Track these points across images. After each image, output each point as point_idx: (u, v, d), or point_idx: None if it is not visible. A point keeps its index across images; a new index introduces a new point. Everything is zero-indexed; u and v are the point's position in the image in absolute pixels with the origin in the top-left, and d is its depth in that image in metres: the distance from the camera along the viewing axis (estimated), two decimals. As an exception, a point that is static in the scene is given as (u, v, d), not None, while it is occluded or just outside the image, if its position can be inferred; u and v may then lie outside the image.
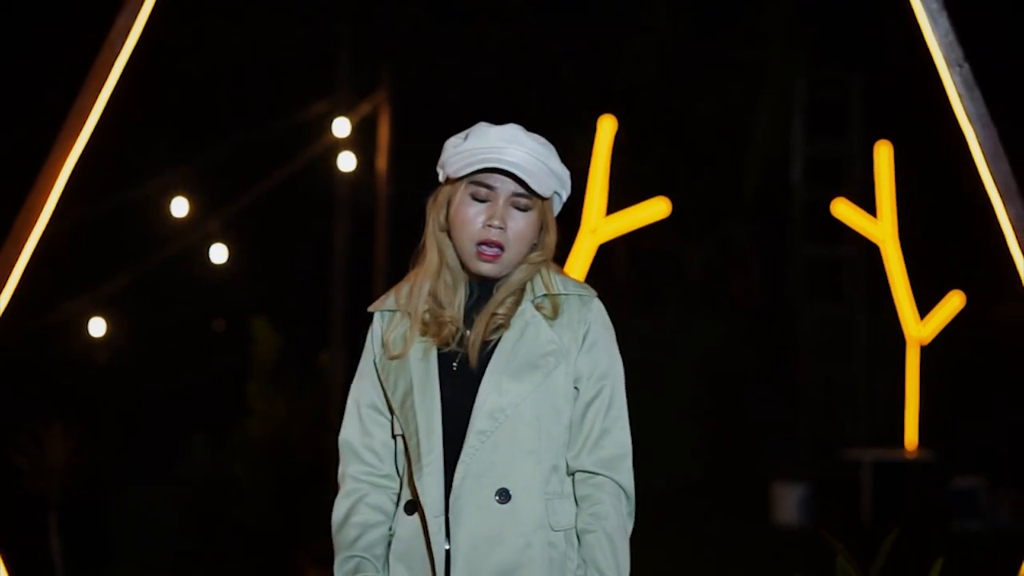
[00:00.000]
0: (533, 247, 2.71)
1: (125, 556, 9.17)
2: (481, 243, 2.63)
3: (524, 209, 2.65)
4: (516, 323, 2.65)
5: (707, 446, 13.18)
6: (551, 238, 2.71)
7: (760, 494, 11.19)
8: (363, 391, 2.78)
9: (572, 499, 2.67)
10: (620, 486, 2.67)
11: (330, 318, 11.67)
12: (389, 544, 2.70)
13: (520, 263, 2.70)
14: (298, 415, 9.97)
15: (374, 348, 2.77)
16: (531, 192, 2.64)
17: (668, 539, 9.42)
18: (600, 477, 2.66)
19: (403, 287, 2.75)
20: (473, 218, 2.64)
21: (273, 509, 9.55)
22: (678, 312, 14.78)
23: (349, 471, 2.77)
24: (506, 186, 2.64)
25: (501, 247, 2.63)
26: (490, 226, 2.62)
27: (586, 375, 2.67)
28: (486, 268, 2.65)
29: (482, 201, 2.64)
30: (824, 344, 13.87)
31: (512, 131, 2.66)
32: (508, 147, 2.62)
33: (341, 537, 2.73)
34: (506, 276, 2.70)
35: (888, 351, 12.67)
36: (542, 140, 2.69)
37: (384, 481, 2.75)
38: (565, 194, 2.74)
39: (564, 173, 2.72)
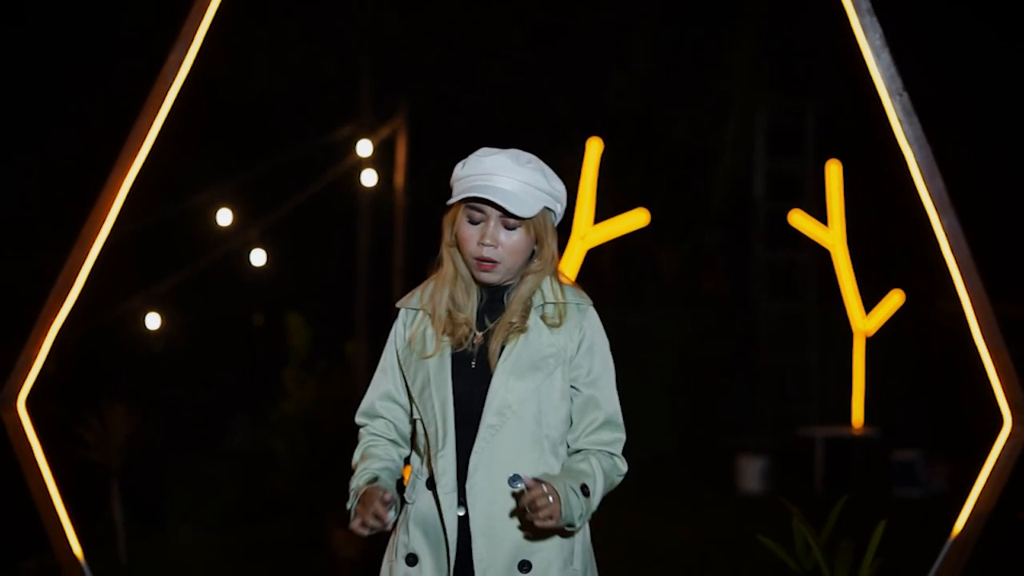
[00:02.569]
0: (531, 258, 2.68)
1: (177, 518, 9.17)
2: (477, 259, 2.62)
3: (513, 228, 2.62)
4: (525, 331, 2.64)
5: (681, 423, 13.18)
6: (548, 250, 2.67)
7: (726, 465, 11.18)
8: (381, 382, 2.78)
9: None
10: (614, 459, 2.67)
11: (354, 313, 11.66)
12: (403, 507, 2.71)
13: (523, 272, 2.67)
14: (327, 397, 9.96)
15: (396, 341, 2.76)
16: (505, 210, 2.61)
17: (647, 504, 9.41)
18: (600, 452, 2.66)
19: (427, 287, 2.74)
20: (470, 238, 2.63)
21: (306, 478, 9.53)
22: (656, 307, 14.75)
23: (362, 432, 2.79)
24: (495, 210, 2.62)
25: (495, 261, 2.62)
26: (483, 244, 2.61)
27: (584, 374, 2.66)
28: (487, 276, 2.64)
29: (477, 223, 2.63)
30: (782, 335, 13.86)
31: (502, 160, 2.61)
32: (495, 177, 2.59)
33: (357, 465, 2.72)
34: (515, 287, 2.68)
35: (837, 342, 12.66)
36: (534, 164, 2.64)
37: (396, 440, 2.76)
38: (560, 207, 2.68)
39: (556, 189, 2.67)
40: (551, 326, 2.64)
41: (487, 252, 2.61)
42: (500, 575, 2.56)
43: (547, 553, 2.57)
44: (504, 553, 2.56)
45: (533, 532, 2.56)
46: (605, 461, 2.65)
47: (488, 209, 2.62)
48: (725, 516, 9.52)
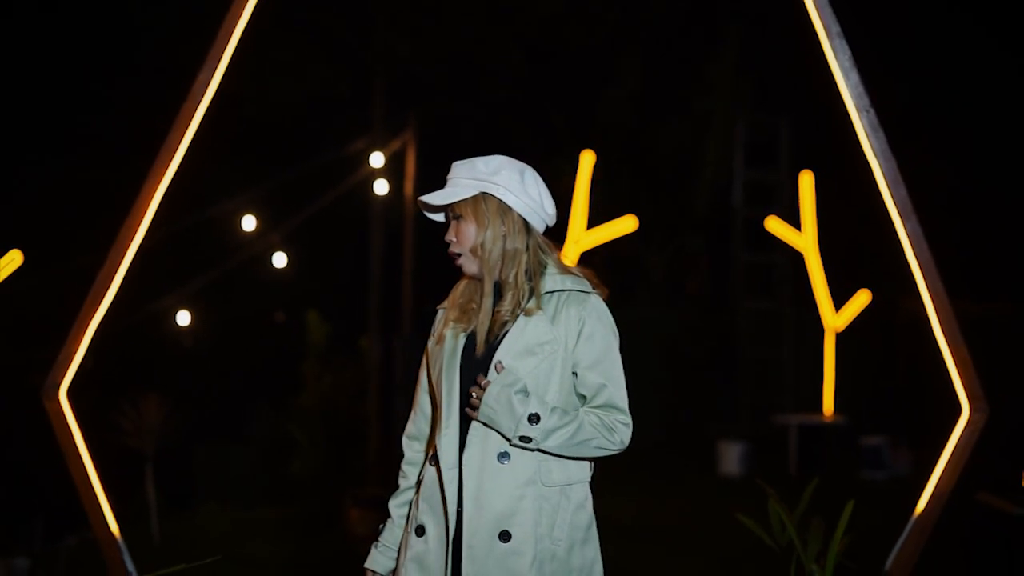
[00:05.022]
0: (502, 244, 2.64)
1: (205, 499, 9.18)
2: (449, 256, 2.70)
3: (459, 218, 2.66)
4: (520, 319, 2.63)
5: (667, 412, 13.17)
6: (493, 230, 2.63)
7: (709, 450, 11.19)
8: (419, 377, 2.83)
9: (568, 460, 2.62)
10: (615, 425, 2.62)
11: (367, 311, 11.65)
12: (419, 486, 2.72)
13: (495, 262, 2.64)
14: (342, 388, 9.97)
15: (429, 338, 2.78)
16: (451, 208, 2.67)
17: (637, 486, 9.42)
18: (599, 412, 2.63)
19: (458, 286, 2.77)
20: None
21: (322, 462, 9.54)
22: (645, 306, 14.75)
23: (402, 461, 2.84)
24: (441, 210, 2.72)
25: (457, 253, 2.68)
26: (448, 243, 2.69)
27: (586, 362, 2.62)
28: (461, 268, 2.70)
29: (448, 228, 2.71)
30: (759, 332, 13.88)
31: (451, 170, 2.68)
32: (434, 189, 2.68)
33: (392, 499, 2.82)
34: (502, 278, 2.66)
35: (810, 337, 12.67)
36: (473, 161, 2.66)
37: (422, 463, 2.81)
38: (502, 190, 2.62)
39: (493, 171, 2.63)
40: (547, 317, 2.61)
41: (451, 248, 2.68)
42: (484, 542, 2.57)
43: (526, 527, 2.57)
44: (488, 522, 2.57)
45: (515, 505, 2.57)
46: (596, 421, 2.59)
47: (445, 213, 2.71)
48: (707, 496, 9.52)
